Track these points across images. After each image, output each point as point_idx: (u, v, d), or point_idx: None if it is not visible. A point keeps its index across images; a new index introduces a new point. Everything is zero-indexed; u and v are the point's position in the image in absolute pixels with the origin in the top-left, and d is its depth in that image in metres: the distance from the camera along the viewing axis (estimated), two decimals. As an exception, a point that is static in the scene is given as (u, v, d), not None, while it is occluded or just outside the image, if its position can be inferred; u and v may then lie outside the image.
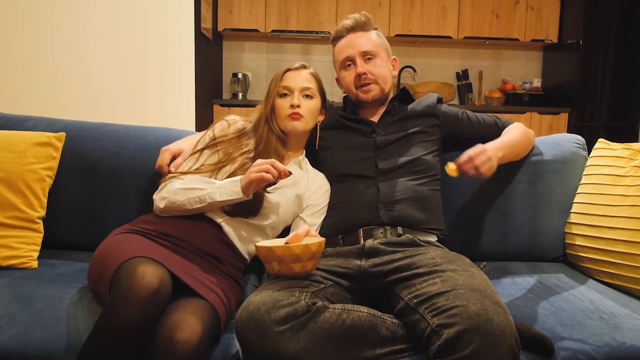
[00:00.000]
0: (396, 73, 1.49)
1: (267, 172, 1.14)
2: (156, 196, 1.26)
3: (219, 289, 1.13)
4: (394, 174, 1.34)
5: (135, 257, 1.02)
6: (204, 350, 0.97)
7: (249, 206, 1.25)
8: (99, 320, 0.97)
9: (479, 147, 1.22)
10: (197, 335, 0.93)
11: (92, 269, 1.13)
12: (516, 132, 1.43)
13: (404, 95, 1.51)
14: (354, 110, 1.49)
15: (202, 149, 1.31)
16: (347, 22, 1.44)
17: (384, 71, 1.42)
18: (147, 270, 0.97)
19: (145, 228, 1.20)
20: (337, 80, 1.50)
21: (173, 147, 1.37)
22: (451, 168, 1.20)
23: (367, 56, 1.41)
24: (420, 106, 1.45)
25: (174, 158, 1.35)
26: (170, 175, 1.29)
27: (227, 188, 1.18)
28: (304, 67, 1.38)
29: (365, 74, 1.39)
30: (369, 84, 1.40)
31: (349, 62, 1.42)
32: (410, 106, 1.46)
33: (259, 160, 1.17)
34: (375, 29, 1.46)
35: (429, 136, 1.41)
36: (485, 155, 1.20)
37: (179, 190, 1.21)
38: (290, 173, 1.18)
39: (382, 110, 1.47)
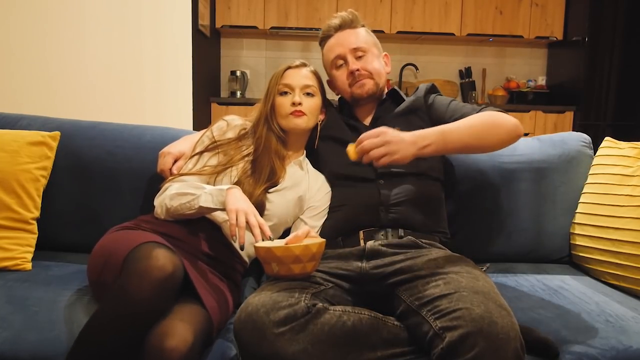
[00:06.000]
0: (389, 69, 1.46)
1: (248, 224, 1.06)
2: (156, 201, 1.24)
3: (216, 291, 1.11)
4: (394, 175, 1.31)
5: (149, 241, 1.02)
6: (194, 358, 0.95)
7: None
8: (107, 297, 0.96)
9: (377, 130, 1.07)
10: (187, 343, 0.91)
11: (94, 260, 1.11)
12: (474, 118, 1.22)
13: (394, 95, 1.46)
14: (350, 112, 1.46)
15: (202, 152, 1.28)
16: (335, 20, 1.42)
17: (377, 66, 1.39)
18: (162, 254, 0.97)
19: (144, 227, 1.18)
20: (329, 82, 1.45)
21: (174, 150, 1.33)
22: (350, 151, 1.08)
23: (358, 53, 1.38)
24: (409, 102, 1.40)
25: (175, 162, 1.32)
26: (171, 178, 1.26)
27: (214, 196, 1.12)
28: (304, 64, 1.36)
29: (358, 70, 1.36)
30: (363, 78, 1.37)
31: (341, 61, 1.40)
32: (401, 105, 1.41)
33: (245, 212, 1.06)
34: (363, 25, 1.44)
35: None
36: (381, 139, 1.05)
37: (174, 196, 1.19)
38: (271, 238, 1.09)
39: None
